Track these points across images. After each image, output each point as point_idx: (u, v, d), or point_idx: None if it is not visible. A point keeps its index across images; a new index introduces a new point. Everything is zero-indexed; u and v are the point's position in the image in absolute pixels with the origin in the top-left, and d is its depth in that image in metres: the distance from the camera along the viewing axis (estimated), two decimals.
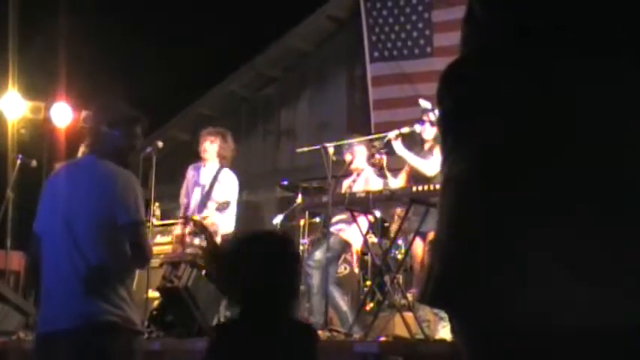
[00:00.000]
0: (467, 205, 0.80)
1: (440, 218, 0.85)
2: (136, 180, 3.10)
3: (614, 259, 0.71)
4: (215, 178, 5.87)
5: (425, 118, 5.31)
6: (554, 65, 0.78)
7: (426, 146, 5.38)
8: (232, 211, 5.90)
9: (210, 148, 5.90)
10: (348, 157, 5.86)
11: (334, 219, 5.52)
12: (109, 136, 3.05)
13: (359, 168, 5.83)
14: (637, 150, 0.73)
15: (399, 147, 5.34)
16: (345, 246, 5.77)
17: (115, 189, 2.94)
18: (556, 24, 0.79)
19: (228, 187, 5.87)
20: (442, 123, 0.88)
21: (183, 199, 6.04)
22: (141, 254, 3.03)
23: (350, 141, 5.96)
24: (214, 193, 5.83)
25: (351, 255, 5.98)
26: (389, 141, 5.42)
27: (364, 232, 5.45)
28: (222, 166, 5.93)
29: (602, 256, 0.72)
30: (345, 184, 5.95)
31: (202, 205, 5.84)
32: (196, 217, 5.68)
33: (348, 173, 5.85)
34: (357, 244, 5.82)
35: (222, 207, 5.77)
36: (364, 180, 5.77)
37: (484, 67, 0.83)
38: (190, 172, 6.06)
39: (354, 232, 5.58)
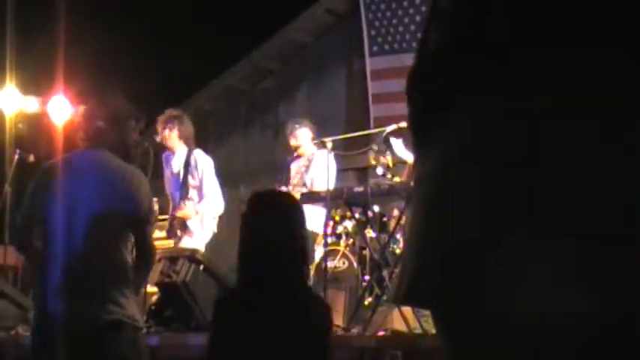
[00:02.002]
0: (443, 201, 0.79)
1: (414, 215, 0.84)
2: (145, 178, 3.08)
3: (601, 257, 0.71)
4: (187, 163, 5.80)
5: None
6: (530, 58, 0.77)
7: None
8: (215, 192, 5.82)
9: (171, 135, 5.81)
10: (292, 142, 5.84)
11: None
12: (108, 132, 3.02)
13: (306, 152, 5.80)
14: (617, 142, 0.73)
15: (399, 147, 5.27)
16: (314, 237, 5.73)
17: (127, 183, 2.90)
18: (531, 15, 0.78)
19: (199, 169, 5.79)
20: (412, 120, 0.87)
21: (167, 190, 6.02)
22: (145, 255, 3.00)
23: (350, 135, 5.96)
24: (190, 179, 5.79)
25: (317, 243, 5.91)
26: (387, 137, 5.40)
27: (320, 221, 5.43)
28: (191, 150, 5.85)
29: (590, 253, 0.71)
30: (294, 168, 5.93)
31: (182, 194, 5.80)
32: (180, 213, 5.68)
33: (295, 157, 5.83)
34: (318, 229, 5.74)
35: (186, 192, 5.73)
36: (316, 165, 5.73)
37: (454, 62, 0.82)
38: (164, 161, 5.99)
39: (310, 219, 5.56)
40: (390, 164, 5.39)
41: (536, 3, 0.78)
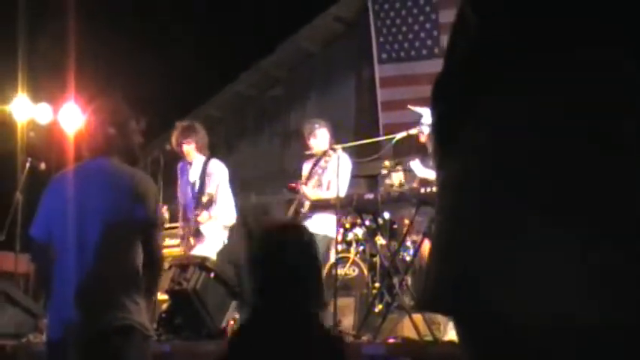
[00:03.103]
0: (465, 207, 0.80)
1: (438, 222, 0.85)
2: (154, 183, 3.09)
3: (604, 261, 0.72)
4: (204, 172, 5.86)
5: (420, 125, 5.31)
6: (551, 65, 0.77)
7: (430, 148, 5.37)
8: (228, 201, 5.86)
9: (189, 148, 5.87)
10: (312, 142, 5.85)
11: (309, 221, 5.51)
12: (117, 139, 3.04)
13: (321, 150, 5.80)
14: (619, 143, 0.73)
15: (418, 168, 5.23)
16: (328, 241, 5.74)
17: (135, 188, 2.91)
18: (552, 24, 0.79)
19: (216, 177, 5.84)
20: (436, 127, 0.88)
21: (180, 200, 6.05)
22: (152, 261, 3.00)
23: (357, 143, 5.97)
24: (206, 187, 5.83)
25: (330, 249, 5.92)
26: (398, 142, 5.40)
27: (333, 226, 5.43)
28: (208, 159, 5.92)
29: (593, 257, 0.72)
30: (306, 167, 5.94)
31: (197, 202, 5.83)
32: (199, 219, 5.72)
33: (309, 156, 5.85)
34: (332, 233, 5.77)
35: (209, 202, 5.77)
36: (333, 167, 5.73)
37: (477, 71, 0.83)
38: (179, 171, 6.05)
39: (324, 223, 5.58)
40: (402, 181, 5.36)
41: (544, 5, 0.79)
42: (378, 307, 5.70)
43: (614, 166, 0.73)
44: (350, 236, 6.16)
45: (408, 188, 5.20)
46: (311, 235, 2.39)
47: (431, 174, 5.19)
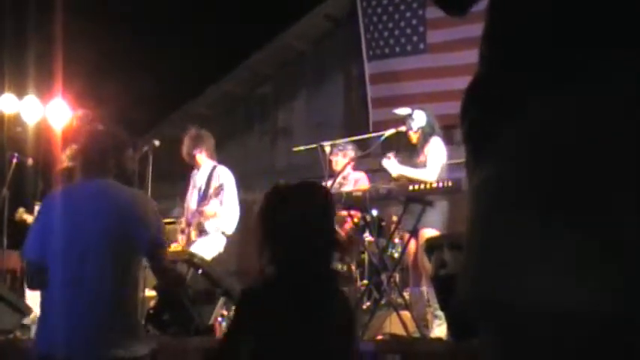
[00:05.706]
0: (494, 210, 0.81)
1: (469, 225, 0.86)
2: (153, 201, 3.07)
3: (606, 256, 0.73)
4: (210, 177, 5.96)
5: (409, 124, 5.31)
6: (584, 66, 0.78)
7: (419, 145, 5.36)
8: (233, 209, 5.90)
9: (201, 157, 6.02)
10: (334, 159, 5.90)
11: None
12: (113, 161, 3.01)
13: (344, 172, 5.85)
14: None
15: (393, 166, 5.25)
16: None
17: (136, 211, 2.89)
18: (581, 23, 0.79)
19: (221, 183, 5.92)
20: (467, 135, 0.89)
21: (185, 204, 6.13)
22: (167, 281, 2.99)
23: (345, 140, 5.98)
24: (211, 192, 5.89)
25: None
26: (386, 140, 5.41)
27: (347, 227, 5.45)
28: (215, 165, 6.04)
29: (596, 251, 0.73)
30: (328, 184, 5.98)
31: (202, 205, 5.89)
32: (206, 212, 5.75)
33: (338, 172, 5.87)
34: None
35: (216, 194, 5.82)
36: (353, 183, 5.79)
37: (506, 76, 0.84)
38: (191, 179, 6.18)
39: None
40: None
41: (587, 14, 0.79)
42: (366, 304, 5.71)
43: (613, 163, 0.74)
44: None
45: (396, 185, 5.21)
46: (324, 195, 2.33)
47: (407, 170, 5.19)
